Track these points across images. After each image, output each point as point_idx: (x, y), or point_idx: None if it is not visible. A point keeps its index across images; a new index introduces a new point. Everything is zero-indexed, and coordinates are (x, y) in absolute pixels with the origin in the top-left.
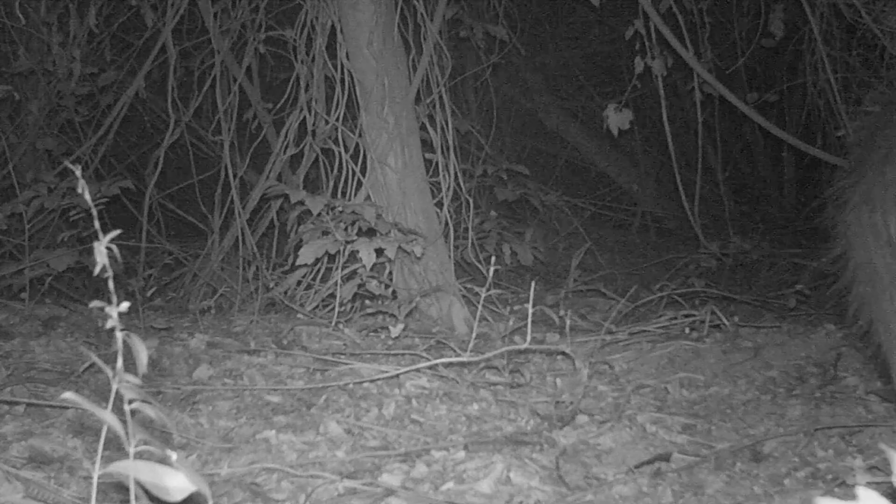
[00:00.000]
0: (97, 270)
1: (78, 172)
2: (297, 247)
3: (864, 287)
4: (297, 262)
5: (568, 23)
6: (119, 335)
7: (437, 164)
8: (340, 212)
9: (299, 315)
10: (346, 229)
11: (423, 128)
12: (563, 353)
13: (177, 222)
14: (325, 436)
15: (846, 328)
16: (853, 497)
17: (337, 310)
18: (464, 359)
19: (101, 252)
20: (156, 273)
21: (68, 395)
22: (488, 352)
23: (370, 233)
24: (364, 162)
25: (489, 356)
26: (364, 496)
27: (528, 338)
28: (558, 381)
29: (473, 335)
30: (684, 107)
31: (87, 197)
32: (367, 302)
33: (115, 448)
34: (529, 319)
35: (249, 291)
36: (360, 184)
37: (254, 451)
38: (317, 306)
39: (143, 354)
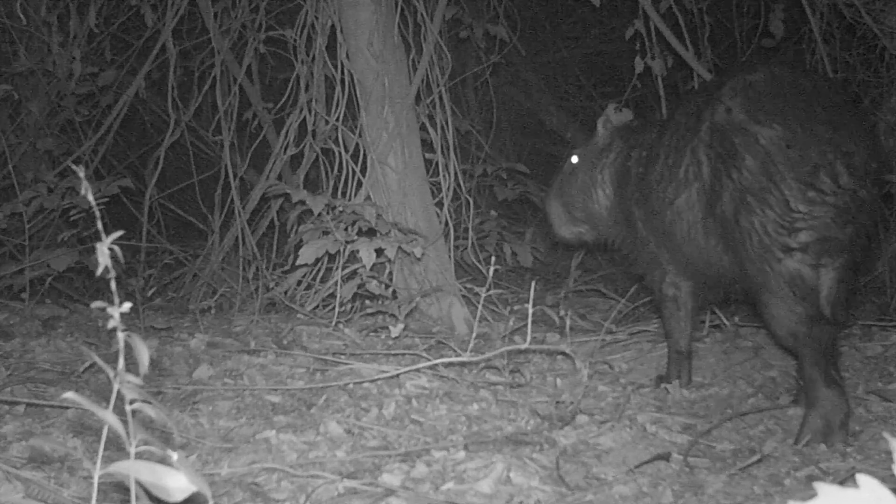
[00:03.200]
0: (100, 271)
1: (81, 174)
2: (297, 247)
3: None
4: (298, 262)
5: (568, 23)
6: (121, 335)
7: (437, 164)
8: (341, 212)
9: (299, 315)
10: (346, 229)
11: (423, 128)
12: (563, 353)
13: (177, 222)
14: (325, 436)
15: (846, 328)
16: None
17: (337, 310)
18: (464, 359)
19: (104, 253)
20: (156, 273)
21: (69, 395)
22: (488, 352)
23: (370, 233)
24: (364, 162)
25: (489, 356)
26: (364, 496)
27: (528, 338)
28: (558, 381)
29: (473, 335)
30: None
31: (91, 197)
32: (367, 302)
33: (116, 448)
34: (529, 319)
35: (249, 291)
36: (360, 184)
37: (254, 451)
38: (317, 306)
39: (144, 355)
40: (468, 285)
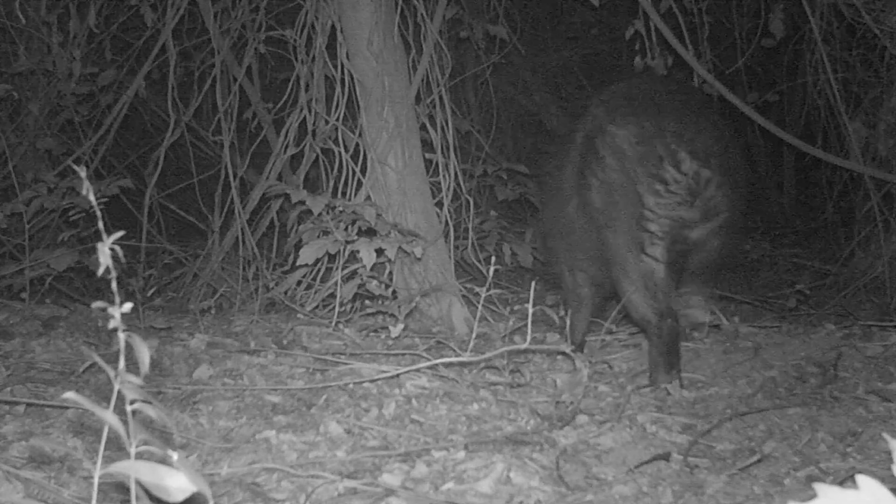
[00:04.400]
0: (100, 272)
1: (83, 174)
2: (297, 246)
3: None
4: (298, 262)
5: (568, 23)
6: (122, 335)
7: (437, 164)
8: (341, 212)
9: (299, 315)
10: (346, 229)
11: (423, 128)
12: (563, 353)
13: (177, 222)
14: (325, 436)
15: (846, 328)
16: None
17: (337, 310)
18: (464, 359)
19: (105, 253)
20: (156, 273)
21: (70, 394)
22: (488, 352)
23: (370, 233)
24: (364, 162)
25: (489, 356)
26: (364, 496)
27: (528, 338)
28: (558, 381)
29: (473, 335)
30: None
31: (92, 198)
32: (367, 302)
33: (116, 448)
34: (529, 319)
35: (249, 291)
36: (360, 184)
37: (254, 451)
38: (317, 306)
39: (145, 355)
40: (468, 285)
